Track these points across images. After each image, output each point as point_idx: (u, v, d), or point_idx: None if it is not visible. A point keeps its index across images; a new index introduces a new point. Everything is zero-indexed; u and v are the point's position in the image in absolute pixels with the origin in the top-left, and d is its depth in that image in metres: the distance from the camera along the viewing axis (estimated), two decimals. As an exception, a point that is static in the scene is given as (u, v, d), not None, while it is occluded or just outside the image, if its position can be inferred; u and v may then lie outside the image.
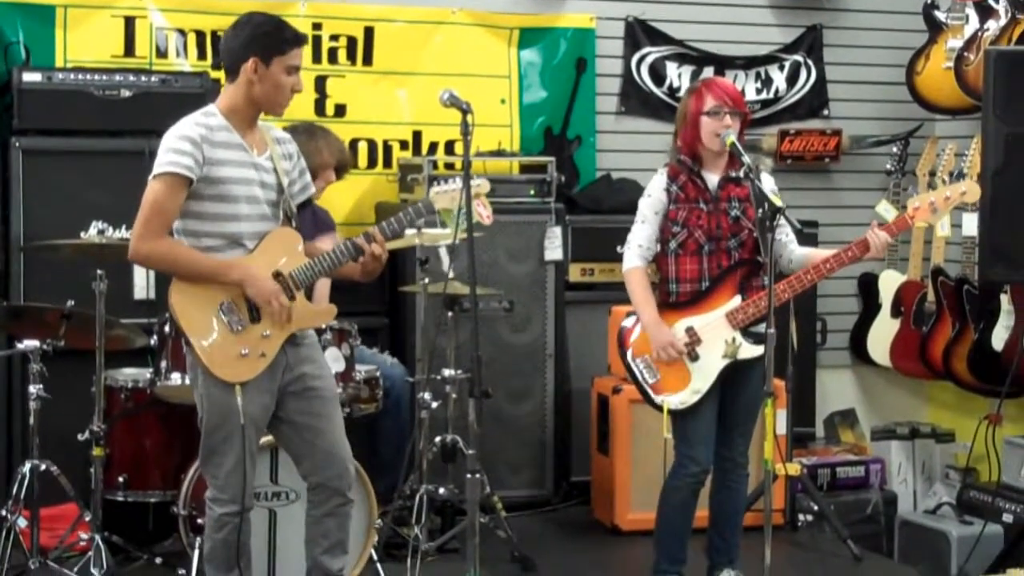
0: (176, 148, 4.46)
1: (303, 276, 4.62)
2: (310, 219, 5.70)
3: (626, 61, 7.63)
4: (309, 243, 4.79)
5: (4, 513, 5.42)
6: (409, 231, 5.71)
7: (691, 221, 5.20)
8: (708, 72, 7.63)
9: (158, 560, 5.64)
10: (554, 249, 6.85)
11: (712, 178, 5.26)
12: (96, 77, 6.30)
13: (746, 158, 5.05)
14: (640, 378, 5.29)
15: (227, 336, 4.52)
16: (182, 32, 6.85)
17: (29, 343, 5.41)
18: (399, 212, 4.75)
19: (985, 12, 7.17)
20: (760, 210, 4.96)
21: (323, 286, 5.83)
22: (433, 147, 7.23)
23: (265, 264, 4.57)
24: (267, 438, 4.85)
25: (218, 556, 4.64)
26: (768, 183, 5.12)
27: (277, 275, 4.57)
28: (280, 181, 4.65)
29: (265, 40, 4.55)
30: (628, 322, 5.34)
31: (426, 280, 5.91)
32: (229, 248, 4.55)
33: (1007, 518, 6.65)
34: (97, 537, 5.38)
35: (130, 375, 5.85)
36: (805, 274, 5.17)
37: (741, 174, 5.12)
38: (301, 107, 6.82)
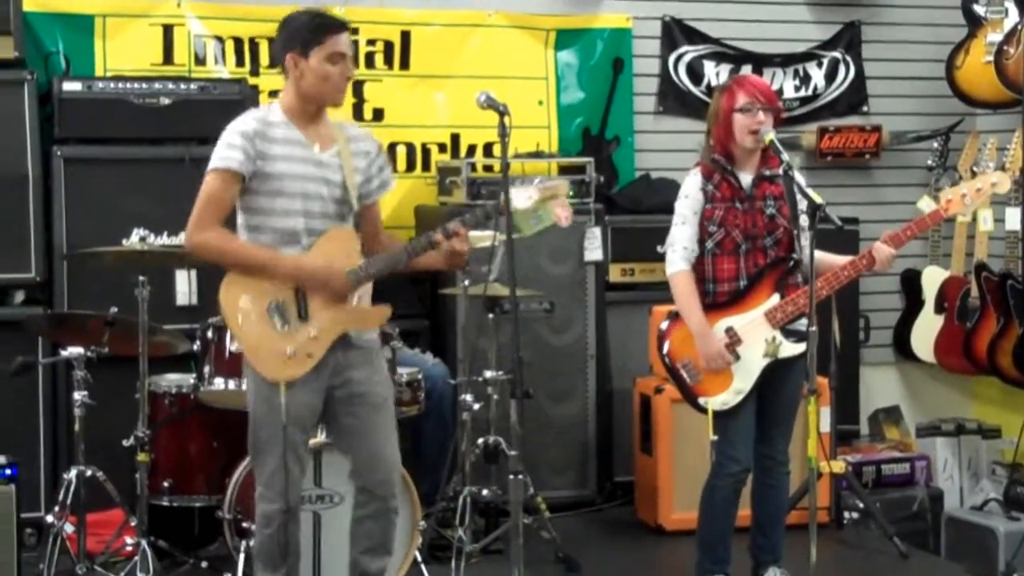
0: (228, 143, 4.52)
1: (356, 277, 4.61)
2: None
3: (663, 60, 7.63)
4: (382, 240, 4.78)
5: (51, 519, 5.46)
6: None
7: (728, 220, 5.18)
8: (746, 70, 7.61)
9: (204, 564, 5.66)
10: (594, 250, 6.85)
11: (746, 177, 5.23)
12: (135, 85, 6.35)
13: (785, 155, 5.03)
14: (682, 380, 5.27)
15: (274, 335, 4.53)
16: (220, 39, 6.89)
17: (73, 350, 5.44)
18: (475, 208, 4.68)
19: (1025, 5, 7.14)
20: (794, 208, 4.95)
21: (366, 287, 5.82)
22: (471, 149, 7.25)
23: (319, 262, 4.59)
24: (314, 440, 4.86)
25: (265, 553, 4.66)
26: (799, 180, 5.08)
27: None
28: (345, 179, 4.65)
29: (300, 33, 4.57)
30: (666, 324, 5.31)
31: (467, 282, 5.92)
32: (284, 244, 4.56)
33: (1054, 514, 6.62)
34: (143, 542, 5.41)
35: (174, 381, 5.88)
36: (843, 270, 5.16)
37: (780, 171, 5.10)
38: (339, 111, 6.83)
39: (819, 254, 5.10)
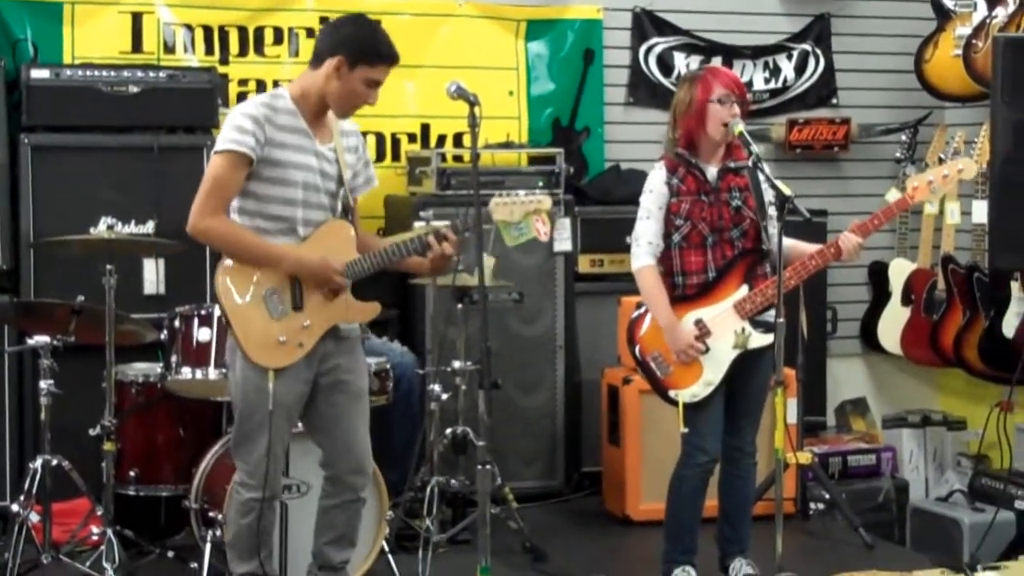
0: (238, 126, 4.49)
1: (353, 271, 4.63)
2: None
3: (634, 52, 7.63)
4: (361, 237, 4.79)
5: (16, 508, 5.43)
6: (418, 224, 5.74)
7: (694, 214, 5.19)
8: (716, 62, 7.61)
9: (170, 554, 5.64)
10: (563, 240, 6.85)
11: (711, 169, 5.24)
12: (104, 73, 6.31)
13: (755, 147, 5.04)
14: (652, 373, 5.28)
15: (267, 321, 4.54)
16: (189, 27, 6.86)
17: (40, 339, 5.41)
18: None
19: (993, -1, 7.17)
20: (760, 199, 4.96)
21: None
22: (441, 140, 7.24)
23: (315, 254, 4.59)
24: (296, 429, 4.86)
25: (242, 542, 4.67)
26: (767, 171, 5.09)
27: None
28: (341, 173, 4.66)
29: (360, 45, 4.55)
30: (635, 317, 5.32)
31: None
32: (282, 234, 4.57)
33: (1019, 505, 6.64)
34: (109, 531, 5.38)
35: (141, 370, 5.87)
36: (810, 259, 5.16)
37: (747, 163, 5.11)
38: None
39: (790, 242, 5.14)
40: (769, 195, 5.06)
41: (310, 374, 4.63)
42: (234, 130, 4.49)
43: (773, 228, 5.11)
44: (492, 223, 4.80)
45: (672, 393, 5.23)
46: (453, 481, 6.01)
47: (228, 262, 4.58)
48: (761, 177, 5.07)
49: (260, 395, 4.53)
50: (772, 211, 5.07)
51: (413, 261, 4.72)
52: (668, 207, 5.21)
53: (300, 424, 4.83)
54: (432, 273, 4.82)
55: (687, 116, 5.22)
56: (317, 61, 4.59)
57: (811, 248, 5.23)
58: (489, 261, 5.90)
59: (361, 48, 4.54)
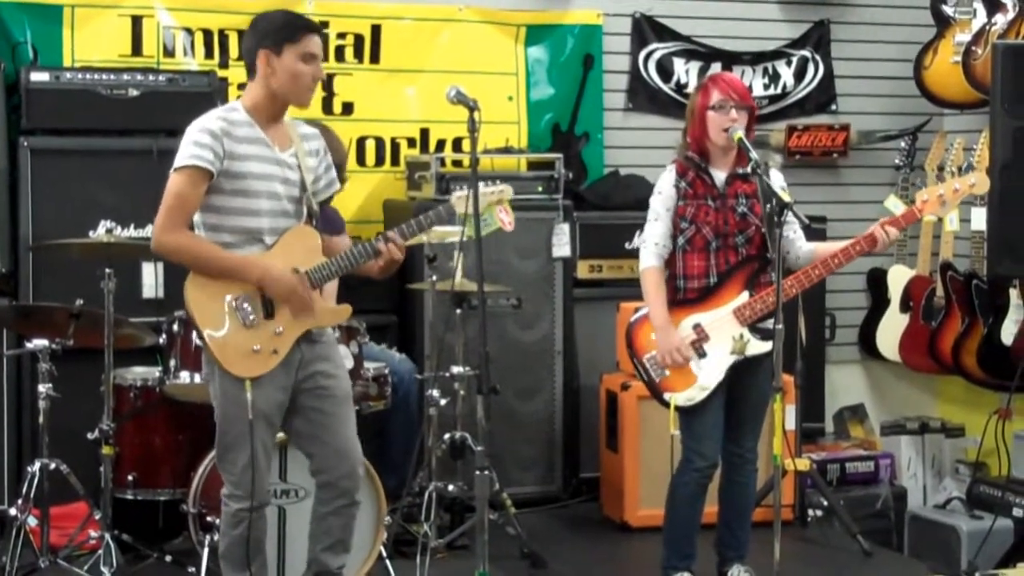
0: (197, 141, 4.50)
1: (320, 275, 4.65)
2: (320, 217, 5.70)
3: (633, 57, 7.63)
4: (326, 241, 4.80)
5: (14, 512, 5.43)
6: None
7: (699, 217, 5.20)
8: (715, 68, 7.63)
9: (168, 558, 5.64)
10: (562, 246, 6.85)
11: (719, 175, 5.25)
12: (104, 76, 6.31)
13: (753, 153, 5.04)
14: (648, 375, 5.29)
15: (240, 331, 4.54)
16: (189, 31, 6.86)
17: (38, 342, 5.41)
18: (419, 214, 4.77)
19: (993, 6, 7.17)
20: (768, 206, 4.95)
21: (331, 284, 5.82)
22: (441, 144, 7.23)
23: (283, 261, 4.60)
24: (280, 435, 4.86)
25: (234, 553, 4.66)
26: (777, 179, 5.10)
27: (294, 272, 4.60)
28: (303, 178, 4.67)
29: (275, 31, 4.58)
30: (635, 318, 5.34)
31: (434, 277, 5.92)
32: (248, 244, 4.58)
33: (1017, 512, 6.65)
34: (107, 535, 5.39)
35: (139, 374, 5.87)
36: (813, 269, 5.17)
37: (749, 170, 5.12)
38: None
39: (813, 245, 5.24)
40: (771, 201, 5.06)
41: (288, 381, 4.63)
42: (192, 145, 4.50)
43: (792, 234, 5.17)
44: (456, 216, 4.83)
45: (667, 396, 5.24)
46: (451, 486, 6.00)
47: (195, 276, 4.58)
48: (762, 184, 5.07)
49: (238, 406, 4.53)
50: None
51: (368, 265, 4.75)
52: (675, 210, 5.23)
53: (283, 433, 4.83)
54: (380, 276, 4.85)
55: (692, 123, 5.28)
56: (251, 70, 4.63)
57: (834, 247, 5.21)
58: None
59: (276, 31, 4.57)
